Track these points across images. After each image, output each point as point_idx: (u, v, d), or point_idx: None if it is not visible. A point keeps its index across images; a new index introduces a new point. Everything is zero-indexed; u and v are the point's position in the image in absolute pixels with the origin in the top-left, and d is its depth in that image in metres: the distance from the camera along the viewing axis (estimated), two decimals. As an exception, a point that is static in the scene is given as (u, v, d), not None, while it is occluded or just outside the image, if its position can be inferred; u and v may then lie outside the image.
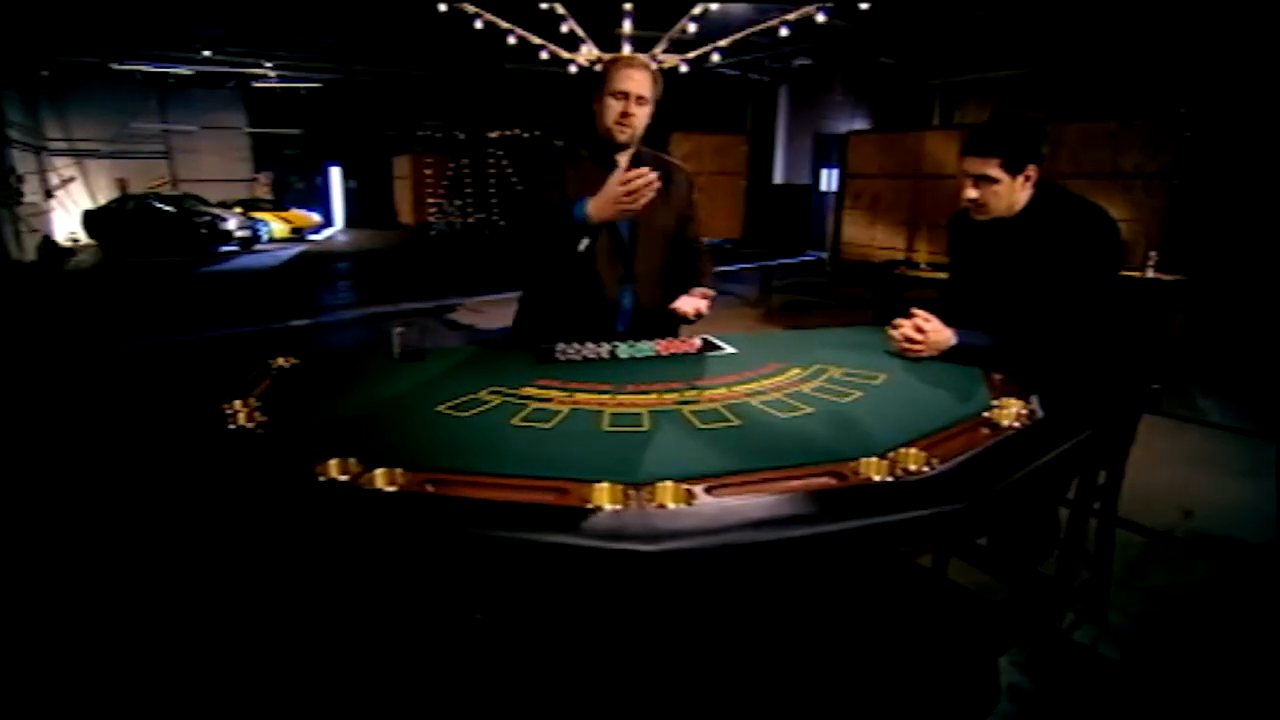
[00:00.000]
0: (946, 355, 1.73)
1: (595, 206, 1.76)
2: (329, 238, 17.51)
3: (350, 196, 20.98)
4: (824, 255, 11.51)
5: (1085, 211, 1.70)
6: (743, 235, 13.39)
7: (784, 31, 5.92)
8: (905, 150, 9.56)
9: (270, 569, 2.05)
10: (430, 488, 1.07)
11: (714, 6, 5.51)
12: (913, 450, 1.15)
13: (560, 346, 1.83)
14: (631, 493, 1.01)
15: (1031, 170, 1.69)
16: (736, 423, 1.30)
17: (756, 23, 6.22)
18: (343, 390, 1.56)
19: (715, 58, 6.55)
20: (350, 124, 18.87)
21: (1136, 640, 2.06)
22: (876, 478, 1.07)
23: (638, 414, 1.34)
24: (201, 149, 17.97)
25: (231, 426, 1.35)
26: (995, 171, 1.68)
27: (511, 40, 6.26)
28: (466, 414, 1.35)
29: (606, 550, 0.90)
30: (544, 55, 6.37)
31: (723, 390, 1.50)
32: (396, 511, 1.03)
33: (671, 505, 0.99)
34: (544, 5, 5.65)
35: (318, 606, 2.00)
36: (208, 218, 13.91)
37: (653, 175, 1.67)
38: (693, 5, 5.59)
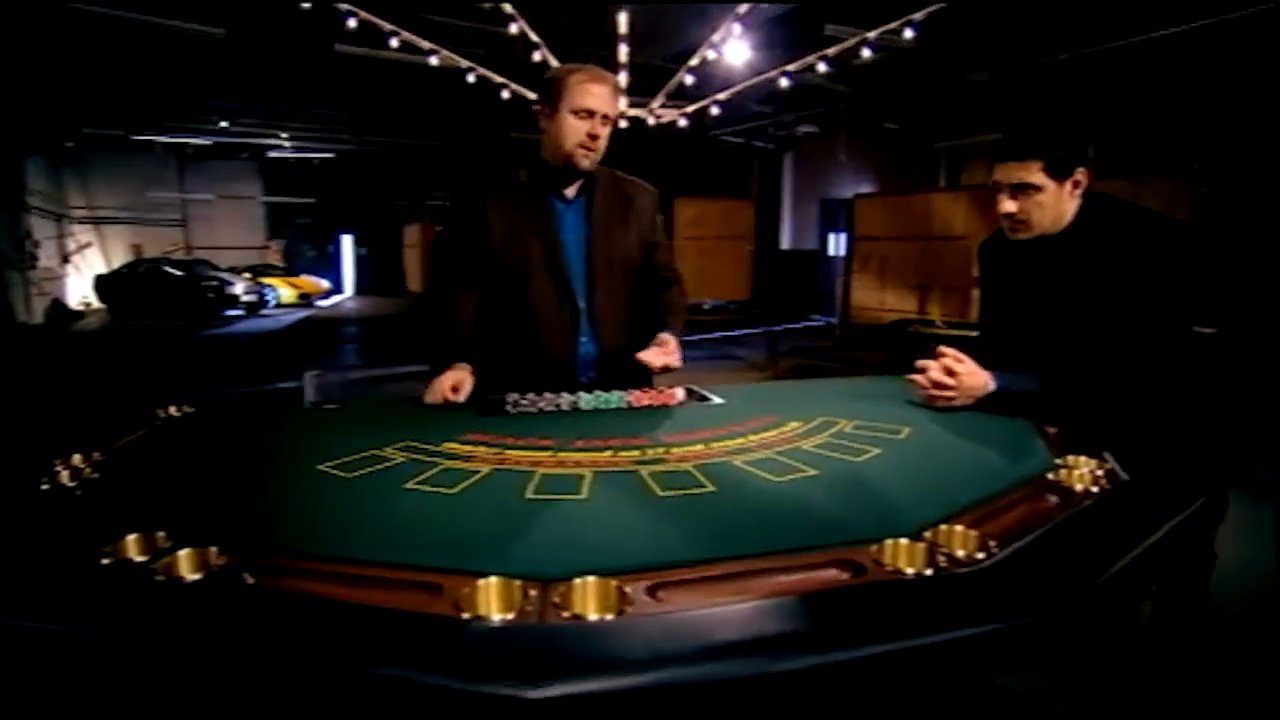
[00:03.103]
0: (983, 404, 1.40)
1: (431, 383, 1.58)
2: (337, 304, 17.53)
3: (361, 264, 21.19)
4: (832, 320, 11.25)
5: (1151, 221, 1.38)
6: (750, 299, 13.22)
7: (784, 83, 5.82)
8: (913, 212, 9.42)
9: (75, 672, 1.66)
10: (249, 577, 0.73)
11: (710, 56, 5.44)
12: (958, 527, 0.80)
13: (513, 398, 1.50)
14: (534, 593, 0.67)
15: (1081, 175, 1.39)
16: (710, 489, 0.95)
17: (755, 76, 6.13)
18: (219, 443, 1.24)
19: (714, 110, 6.45)
20: (362, 193, 19.20)
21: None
22: (910, 570, 0.72)
23: (577, 477, 1.00)
24: (217, 216, 18.31)
25: (45, 486, 1.03)
26: (1037, 177, 1.38)
27: (505, 95, 6.23)
28: (351, 475, 1.01)
29: (470, 695, 0.55)
30: (536, 109, 6.31)
31: (698, 447, 1.15)
32: (191, 609, 0.69)
33: (592, 615, 0.64)
34: (537, 57, 5.61)
35: None
36: (215, 282, 13.99)
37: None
38: (689, 57, 5.53)
